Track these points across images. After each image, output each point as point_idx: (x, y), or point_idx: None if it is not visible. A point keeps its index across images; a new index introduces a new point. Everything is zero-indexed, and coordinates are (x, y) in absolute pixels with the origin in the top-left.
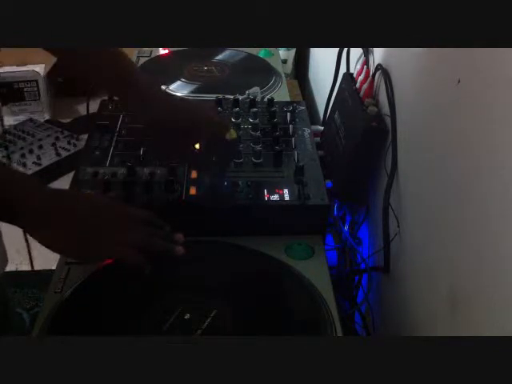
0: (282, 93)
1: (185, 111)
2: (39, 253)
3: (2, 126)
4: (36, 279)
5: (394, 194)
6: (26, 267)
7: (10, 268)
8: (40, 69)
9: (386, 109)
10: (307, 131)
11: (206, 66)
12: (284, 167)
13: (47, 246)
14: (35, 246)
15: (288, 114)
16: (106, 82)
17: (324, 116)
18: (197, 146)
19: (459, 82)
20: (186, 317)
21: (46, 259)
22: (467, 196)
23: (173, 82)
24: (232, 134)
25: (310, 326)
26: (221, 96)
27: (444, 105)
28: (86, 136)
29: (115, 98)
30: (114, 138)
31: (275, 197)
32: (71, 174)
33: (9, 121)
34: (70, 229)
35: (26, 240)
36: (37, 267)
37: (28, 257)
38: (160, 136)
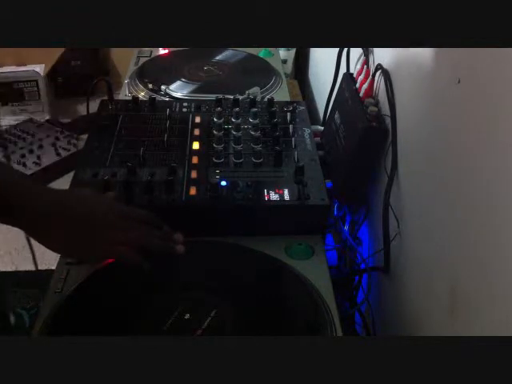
0: (282, 93)
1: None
2: (39, 253)
3: None
4: (36, 279)
5: (394, 194)
6: (26, 267)
7: (10, 268)
8: (40, 69)
9: (386, 109)
10: (307, 131)
11: (206, 66)
12: (284, 167)
13: (47, 247)
14: (35, 246)
15: (288, 114)
16: None
17: (324, 116)
18: (196, 145)
19: (459, 81)
20: (185, 317)
21: (46, 259)
22: (467, 196)
23: (173, 81)
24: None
25: (309, 325)
26: (221, 96)
27: (444, 105)
28: (86, 136)
29: None
30: (114, 138)
31: (275, 197)
32: (71, 174)
33: (9, 121)
34: (69, 229)
35: (28, 239)
36: None
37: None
38: None
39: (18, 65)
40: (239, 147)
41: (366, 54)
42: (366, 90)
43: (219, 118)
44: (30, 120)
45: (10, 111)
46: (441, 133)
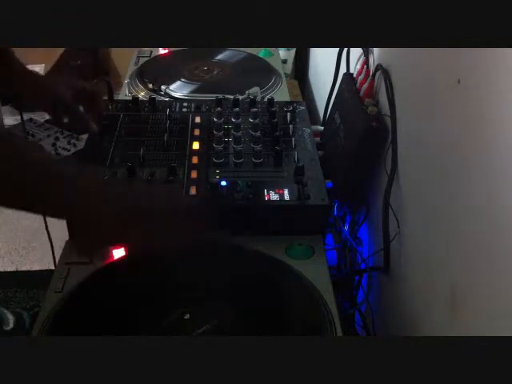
0: (282, 93)
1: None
2: (40, 253)
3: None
4: (36, 279)
5: (394, 194)
6: (26, 267)
7: (10, 268)
8: (40, 69)
9: (385, 109)
10: (307, 131)
11: (206, 66)
12: (284, 167)
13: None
14: (35, 246)
15: (288, 114)
16: None
17: (324, 116)
18: (196, 145)
19: (459, 82)
20: (185, 317)
21: (46, 259)
22: (467, 196)
23: (173, 81)
24: None
25: (310, 325)
26: (221, 96)
27: (444, 105)
28: (86, 136)
29: None
30: (114, 138)
31: (275, 197)
32: None
33: (9, 121)
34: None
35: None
36: (37, 267)
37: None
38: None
39: None
40: (239, 147)
41: (366, 54)
42: (365, 89)
43: (219, 118)
44: (30, 120)
45: (10, 111)
46: (441, 133)
